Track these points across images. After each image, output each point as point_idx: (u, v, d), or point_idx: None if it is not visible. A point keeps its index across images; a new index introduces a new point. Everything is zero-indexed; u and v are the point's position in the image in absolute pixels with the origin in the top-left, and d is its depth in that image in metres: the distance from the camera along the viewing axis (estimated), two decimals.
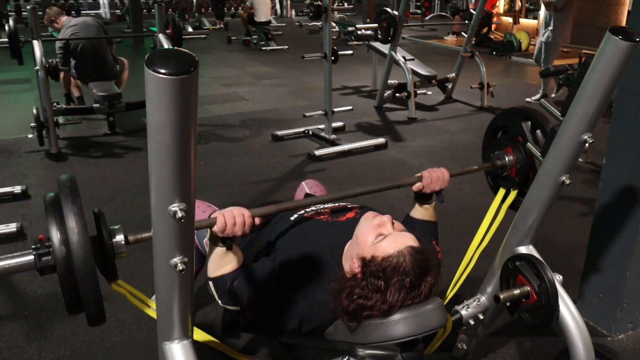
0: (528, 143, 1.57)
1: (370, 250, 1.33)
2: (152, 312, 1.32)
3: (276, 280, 1.44)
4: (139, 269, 2.64)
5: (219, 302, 1.46)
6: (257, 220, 1.36)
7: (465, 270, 1.67)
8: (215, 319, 2.24)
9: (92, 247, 1.05)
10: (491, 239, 1.68)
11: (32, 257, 1.06)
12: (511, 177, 1.65)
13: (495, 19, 9.90)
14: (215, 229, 1.32)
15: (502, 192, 1.71)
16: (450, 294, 1.66)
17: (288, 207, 1.56)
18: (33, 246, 1.07)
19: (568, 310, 1.52)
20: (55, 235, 1.02)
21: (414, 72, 5.78)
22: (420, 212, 1.70)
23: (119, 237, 1.14)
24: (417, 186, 1.60)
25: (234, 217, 1.32)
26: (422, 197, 1.66)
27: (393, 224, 1.39)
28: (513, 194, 1.68)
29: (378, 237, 1.34)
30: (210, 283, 1.44)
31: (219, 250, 1.40)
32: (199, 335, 1.48)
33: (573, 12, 6.14)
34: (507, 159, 1.63)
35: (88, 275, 1.03)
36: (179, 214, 0.98)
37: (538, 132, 1.60)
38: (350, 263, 1.39)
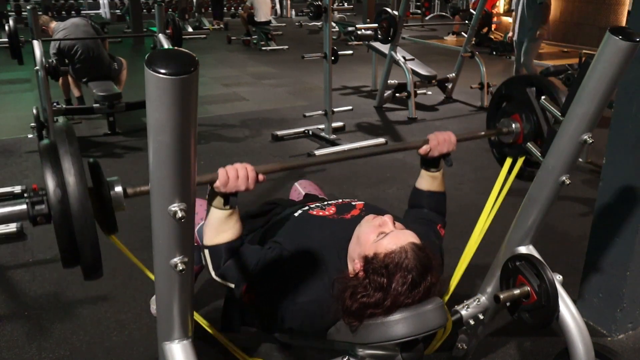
0: (528, 143, 1.57)
1: (372, 248, 1.33)
2: (150, 274, 1.26)
3: (280, 270, 1.41)
4: (139, 269, 2.63)
5: (213, 273, 1.42)
6: (262, 177, 1.31)
7: (471, 251, 1.65)
8: (215, 318, 2.24)
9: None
10: (491, 239, 1.68)
11: (24, 205, 1.00)
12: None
13: (495, 19, 9.90)
14: (217, 183, 1.27)
15: (508, 162, 1.67)
16: (454, 281, 1.64)
17: (292, 166, 1.52)
18: (25, 194, 1.01)
19: (568, 310, 1.52)
20: (51, 181, 0.95)
21: (414, 72, 5.78)
22: (427, 182, 1.67)
23: (118, 189, 1.07)
24: (424, 149, 1.56)
25: (236, 170, 1.27)
26: (429, 163, 1.63)
27: (394, 223, 1.39)
28: (520, 162, 1.63)
29: (379, 235, 1.34)
30: (206, 252, 1.40)
31: (219, 213, 1.35)
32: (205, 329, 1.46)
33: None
34: (513, 125, 1.60)
35: (86, 222, 0.97)
36: (179, 214, 0.98)
37: (543, 98, 1.56)
38: (352, 264, 1.39)
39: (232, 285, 1.41)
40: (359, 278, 1.32)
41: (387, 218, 1.39)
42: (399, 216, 1.58)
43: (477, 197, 3.49)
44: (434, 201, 1.67)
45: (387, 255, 1.29)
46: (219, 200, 1.32)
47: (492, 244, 1.76)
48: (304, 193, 2.13)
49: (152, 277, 1.21)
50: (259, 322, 1.63)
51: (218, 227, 1.37)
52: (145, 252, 2.99)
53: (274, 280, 1.41)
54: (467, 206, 3.31)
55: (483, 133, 1.67)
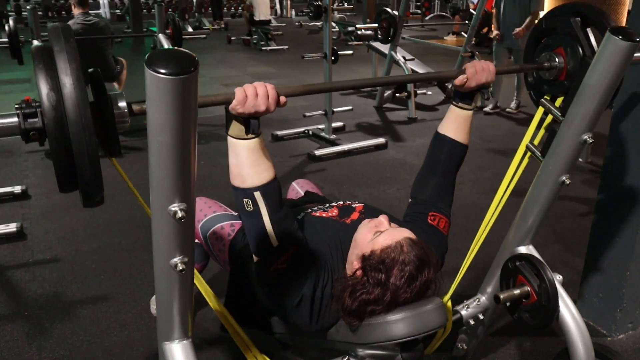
0: (528, 143, 1.56)
1: (368, 247, 1.33)
2: (147, 210, 1.12)
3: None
4: (139, 268, 2.64)
5: (267, 220, 1.25)
6: (283, 99, 1.16)
7: (490, 220, 1.59)
8: (215, 318, 2.24)
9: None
10: (491, 239, 1.67)
11: (15, 118, 0.89)
12: (560, 80, 1.47)
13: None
14: (234, 102, 1.11)
15: (541, 110, 1.53)
16: (456, 281, 1.63)
17: (314, 89, 1.30)
18: (17, 105, 0.89)
19: (568, 310, 1.52)
20: (45, 89, 0.83)
21: (414, 72, 5.78)
22: (454, 122, 1.54)
23: (122, 104, 0.96)
24: (460, 79, 1.42)
25: (255, 88, 1.12)
26: (463, 97, 1.50)
27: (390, 223, 1.39)
28: (559, 102, 1.48)
29: (375, 234, 1.34)
30: (257, 194, 1.23)
31: (246, 145, 1.19)
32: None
33: None
34: (557, 60, 1.45)
35: (86, 138, 0.85)
36: (179, 214, 0.98)
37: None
38: (350, 266, 1.38)
39: (277, 243, 1.29)
40: (357, 277, 1.32)
41: (383, 218, 1.38)
42: (398, 217, 1.58)
43: (477, 197, 3.49)
44: (452, 154, 1.54)
45: (383, 251, 1.29)
46: (238, 128, 1.18)
47: (492, 244, 1.75)
48: (302, 193, 2.13)
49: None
50: (261, 321, 1.63)
51: (254, 162, 1.22)
52: (145, 252, 3.00)
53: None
54: (467, 206, 3.31)
55: (520, 66, 1.53)
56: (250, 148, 1.21)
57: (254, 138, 1.21)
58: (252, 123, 1.17)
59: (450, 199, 1.60)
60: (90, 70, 0.97)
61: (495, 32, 5.74)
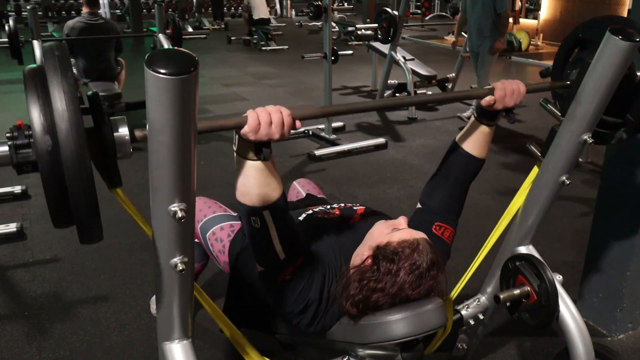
0: (528, 144, 1.56)
1: (385, 238, 1.31)
2: (147, 229, 1.11)
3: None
4: (139, 269, 2.64)
5: (276, 235, 1.23)
6: (299, 123, 1.10)
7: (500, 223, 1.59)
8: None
9: (87, 141, 0.81)
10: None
11: (6, 147, 0.82)
12: None
13: None
14: (245, 129, 1.05)
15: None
16: (462, 283, 1.62)
17: (331, 112, 1.24)
18: (8, 134, 0.82)
19: (568, 310, 1.52)
20: (38, 119, 0.77)
21: (414, 72, 5.78)
22: (473, 136, 1.48)
23: (123, 130, 0.89)
24: (487, 100, 1.36)
25: (269, 114, 1.06)
26: (487, 116, 1.44)
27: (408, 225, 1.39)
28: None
29: (393, 230, 1.34)
30: (266, 213, 1.19)
31: (255, 166, 1.12)
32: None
33: None
34: None
35: (82, 173, 0.79)
36: (179, 214, 0.98)
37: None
38: (359, 258, 1.35)
39: (283, 256, 1.27)
40: (367, 265, 1.30)
41: (402, 219, 1.38)
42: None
43: (477, 197, 3.49)
44: (467, 169, 1.49)
45: (400, 244, 1.28)
46: (248, 150, 1.11)
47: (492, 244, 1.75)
48: (303, 193, 2.13)
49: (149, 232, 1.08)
50: (262, 322, 1.62)
51: (263, 182, 1.15)
52: (145, 252, 3.00)
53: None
54: (467, 206, 3.30)
55: (550, 84, 1.47)
56: (260, 169, 1.14)
57: (261, 158, 1.13)
58: (264, 151, 1.09)
59: (459, 209, 1.57)
60: (89, 93, 0.93)
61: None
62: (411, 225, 1.50)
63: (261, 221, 1.21)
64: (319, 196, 2.09)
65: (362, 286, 1.28)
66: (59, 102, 0.77)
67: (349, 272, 1.33)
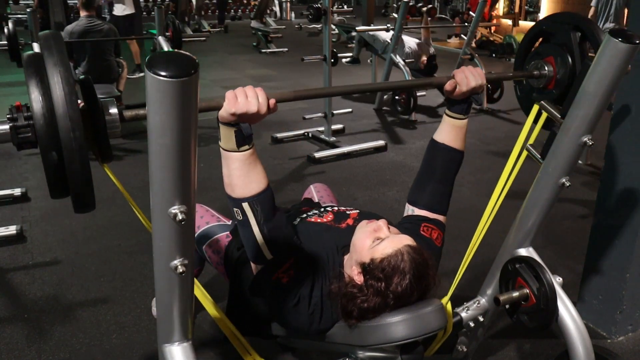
0: (527, 145, 1.56)
1: (368, 254, 1.32)
2: (146, 223, 1.17)
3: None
4: (138, 271, 2.64)
5: (257, 231, 1.28)
6: (272, 101, 1.16)
7: (487, 220, 1.57)
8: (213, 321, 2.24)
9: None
10: (490, 241, 1.68)
11: (7, 126, 0.92)
12: (548, 89, 1.49)
13: (494, 21, 9.92)
14: (225, 107, 1.13)
15: (535, 109, 1.53)
16: (455, 283, 1.63)
17: (304, 95, 1.28)
18: (8, 115, 0.91)
19: (568, 313, 1.52)
20: (37, 99, 0.85)
21: (414, 74, 5.78)
22: (447, 131, 1.52)
23: (113, 110, 0.98)
24: (450, 84, 1.39)
25: (244, 91, 1.13)
26: (458, 109, 1.48)
27: (389, 228, 1.39)
28: (545, 113, 1.49)
29: (375, 241, 1.34)
30: (245, 205, 1.26)
31: (239, 157, 1.22)
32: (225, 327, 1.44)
33: None
34: (546, 68, 1.47)
35: (76, 147, 0.87)
36: (180, 217, 0.99)
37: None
38: (349, 271, 1.38)
39: (270, 256, 1.33)
40: (357, 284, 1.32)
41: (382, 223, 1.38)
42: (396, 221, 1.57)
43: (477, 199, 3.49)
44: (448, 161, 1.52)
45: (383, 260, 1.29)
46: (230, 140, 1.19)
47: (491, 246, 1.75)
48: (317, 198, 2.12)
49: (148, 227, 1.12)
50: (263, 328, 1.62)
51: (244, 174, 1.24)
52: (145, 255, 3.00)
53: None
54: (466, 209, 3.31)
55: (512, 74, 1.54)
56: (242, 160, 1.23)
57: (246, 151, 1.22)
58: (243, 127, 1.18)
59: (446, 204, 1.57)
60: (81, 77, 1.00)
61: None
62: (400, 228, 1.50)
63: (242, 213, 1.28)
64: (314, 202, 2.09)
65: (355, 305, 1.30)
66: (57, 83, 0.86)
67: (341, 288, 1.33)
